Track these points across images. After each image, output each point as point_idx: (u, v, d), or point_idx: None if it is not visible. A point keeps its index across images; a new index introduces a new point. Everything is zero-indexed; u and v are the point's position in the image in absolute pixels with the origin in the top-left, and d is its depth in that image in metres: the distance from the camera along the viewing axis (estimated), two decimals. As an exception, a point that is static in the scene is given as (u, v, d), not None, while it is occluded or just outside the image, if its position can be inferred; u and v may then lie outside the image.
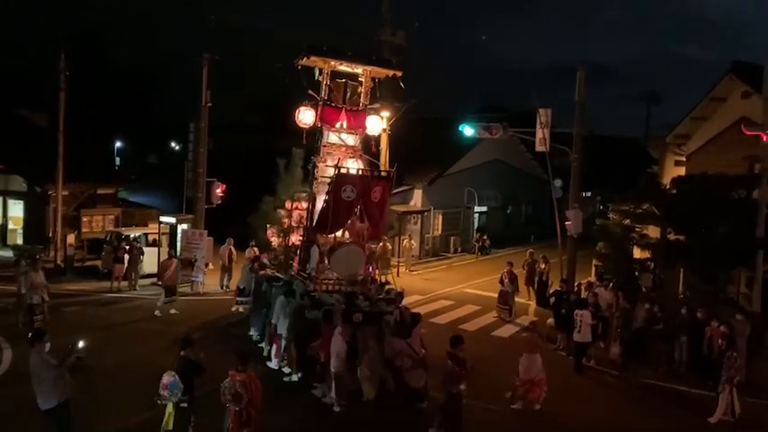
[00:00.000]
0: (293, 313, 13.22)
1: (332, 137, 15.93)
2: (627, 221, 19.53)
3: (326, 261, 14.57)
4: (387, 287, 15.06)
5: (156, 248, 22.50)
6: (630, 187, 20.54)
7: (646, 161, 27.16)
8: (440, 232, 32.11)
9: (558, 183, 21.27)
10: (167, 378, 8.94)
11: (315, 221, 15.14)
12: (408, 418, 11.73)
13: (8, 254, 24.60)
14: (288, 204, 17.36)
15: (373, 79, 16.27)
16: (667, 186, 19.50)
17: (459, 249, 32.35)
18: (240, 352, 9.37)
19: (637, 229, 19.48)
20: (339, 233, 15.01)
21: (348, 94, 15.93)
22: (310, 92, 15.72)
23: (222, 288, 21.57)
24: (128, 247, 21.39)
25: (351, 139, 16.06)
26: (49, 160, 23.69)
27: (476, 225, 34.59)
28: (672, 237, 18.57)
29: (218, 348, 13.09)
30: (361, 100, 16.13)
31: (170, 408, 9.12)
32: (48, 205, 25.41)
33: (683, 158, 21.45)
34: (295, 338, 13.04)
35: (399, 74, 16.45)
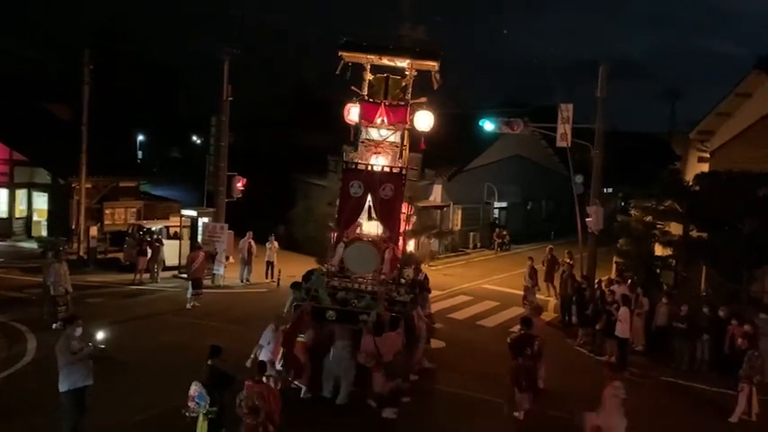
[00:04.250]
0: (289, 305, 13.12)
1: (372, 133, 15.18)
2: (649, 218, 19.36)
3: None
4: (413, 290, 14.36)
5: (178, 241, 22.76)
6: (652, 184, 20.33)
7: (668, 157, 26.80)
8: (459, 228, 32.08)
9: (579, 178, 21.08)
10: (194, 389, 8.52)
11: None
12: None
13: (33, 245, 25.01)
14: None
15: (419, 71, 15.18)
16: (690, 183, 19.26)
17: (479, 245, 32.26)
18: (259, 362, 9.16)
19: (659, 226, 19.30)
20: (366, 230, 14.51)
21: (389, 89, 15.01)
22: (353, 88, 15.01)
23: (242, 281, 21.77)
24: (149, 240, 21.67)
25: (391, 135, 15.12)
26: (72, 153, 23.99)
27: (495, 221, 34.46)
28: (694, 234, 18.37)
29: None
30: (405, 95, 15.04)
31: (201, 421, 8.58)
32: (71, 198, 25.71)
33: (707, 155, 21.12)
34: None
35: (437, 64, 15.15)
